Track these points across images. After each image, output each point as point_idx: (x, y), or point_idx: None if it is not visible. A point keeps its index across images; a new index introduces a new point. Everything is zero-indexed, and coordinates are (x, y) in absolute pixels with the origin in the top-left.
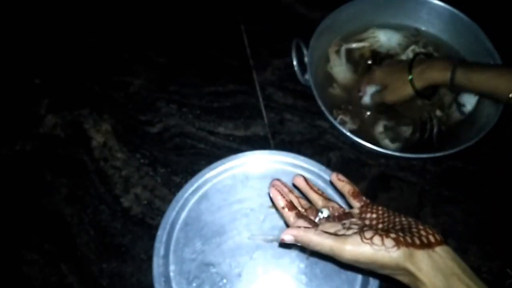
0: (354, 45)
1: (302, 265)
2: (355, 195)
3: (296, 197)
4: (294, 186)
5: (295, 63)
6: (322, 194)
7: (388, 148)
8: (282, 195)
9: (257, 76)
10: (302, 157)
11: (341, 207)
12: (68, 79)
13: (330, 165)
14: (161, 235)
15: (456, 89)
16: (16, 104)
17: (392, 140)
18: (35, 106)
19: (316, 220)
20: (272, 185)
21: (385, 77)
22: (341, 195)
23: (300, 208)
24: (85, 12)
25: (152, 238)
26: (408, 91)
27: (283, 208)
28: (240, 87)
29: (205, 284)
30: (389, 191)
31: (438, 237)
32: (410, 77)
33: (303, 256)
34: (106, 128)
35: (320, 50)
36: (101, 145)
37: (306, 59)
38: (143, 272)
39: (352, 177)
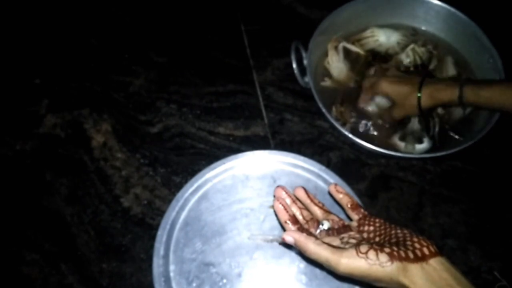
0: (350, 47)
1: (302, 265)
2: (353, 207)
3: (299, 208)
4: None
5: (294, 66)
6: (322, 207)
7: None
8: (285, 209)
9: (257, 76)
10: (302, 157)
11: (340, 219)
12: (68, 79)
13: (330, 165)
14: (161, 235)
15: (465, 106)
16: (16, 104)
17: (418, 141)
18: (35, 106)
19: (317, 232)
20: (276, 197)
21: (392, 92)
22: (340, 206)
23: (301, 219)
24: (85, 12)
25: (152, 238)
26: (415, 109)
27: (285, 222)
28: (240, 87)
29: (205, 284)
30: (389, 191)
31: (432, 249)
32: (418, 94)
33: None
34: (106, 128)
35: (319, 52)
36: (101, 145)
37: (305, 62)
38: (143, 272)
39: (352, 177)
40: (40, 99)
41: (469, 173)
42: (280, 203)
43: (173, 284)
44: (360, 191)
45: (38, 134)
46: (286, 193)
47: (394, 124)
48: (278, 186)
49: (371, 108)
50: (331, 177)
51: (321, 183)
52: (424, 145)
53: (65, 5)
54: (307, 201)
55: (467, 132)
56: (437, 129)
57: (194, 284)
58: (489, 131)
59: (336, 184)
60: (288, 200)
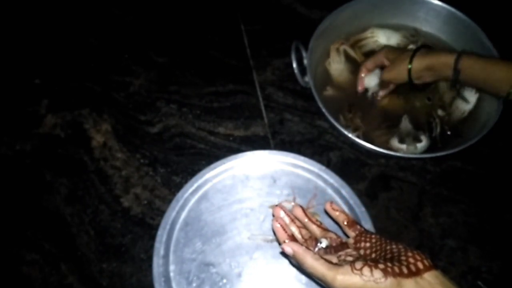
0: (350, 51)
1: None
2: (349, 224)
3: (298, 227)
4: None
5: (294, 65)
6: (320, 225)
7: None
8: (284, 228)
9: (257, 76)
10: (302, 157)
11: (338, 237)
12: (68, 79)
13: (330, 165)
14: (161, 235)
15: (457, 77)
16: (16, 104)
17: (416, 140)
18: (35, 106)
19: (316, 250)
20: (275, 217)
21: (390, 55)
22: (337, 223)
23: (300, 238)
24: (85, 12)
25: (152, 238)
26: (404, 75)
27: (284, 241)
28: (240, 87)
29: (205, 284)
30: (389, 191)
31: (426, 263)
32: (409, 66)
33: None
34: (106, 128)
35: (319, 52)
36: (101, 145)
37: (305, 61)
38: (143, 272)
39: (352, 177)
40: (40, 99)
41: (469, 173)
42: (279, 222)
43: (173, 284)
44: (360, 191)
45: (38, 134)
46: (285, 212)
47: (384, 124)
48: (276, 205)
49: (373, 83)
50: (331, 177)
51: (321, 183)
52: (424, 142)
53: (65, 5)
54: (305, 219)
55: (467, 132)
56: (438, 129)
57: (194, 284)
58: (489, 131)
59: (331, 202)
60: (287, 219)
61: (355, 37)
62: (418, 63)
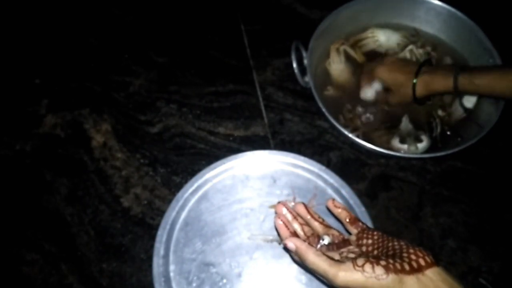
0: (350, 51)
1: None
2: (352, 222)
3: (300, 224)
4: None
5: (295, 66)
6: (322, 222)
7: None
8: (286, 226)
9: (257, 76)
10: (302, 157)
11: (340, 234)
12: (68, 79)
13: (330, 165)
14: (161, 235)
15: (462, 94)
16: (16, 104)
17: (417, 140)
18: (35, 106)
19: (318, 247)
20: (277, 214)
21: (389, 79)
22: (339, 220)
23: (303, 235)
24: (85, 12)
25: (152, 238)
26: (409, 97)
27: (286, 238)
28: (240, 87)
29: (205, 284)
30: (389, 191)
31: (428, 259)
32: (414, 81)
33: None
34: (106, 128)
35: (319, 51)
36: (101, 145)
37: (305, 61)
38: (143, 272)
39: (352, 177)
40: (40, 99)
41: (469, 173)
42: (281, 219)
43: (173, 284)
44: (360, 191)
45: (38, 134)
46: (287, 209)
47: (387, 124)
48: (279, 202)
49: (370, 94)
50: (331, 177)
51: (321, 183)
52: (425, 142)
53: (65, 5)
54: (307, 216)
55: (467, 132)
56: (438, 129)
57: (194, 284)
58: (489, 131)
59: (333, 200)
60: (289, 216)
61: (355, 37)
62: (420, 92)
